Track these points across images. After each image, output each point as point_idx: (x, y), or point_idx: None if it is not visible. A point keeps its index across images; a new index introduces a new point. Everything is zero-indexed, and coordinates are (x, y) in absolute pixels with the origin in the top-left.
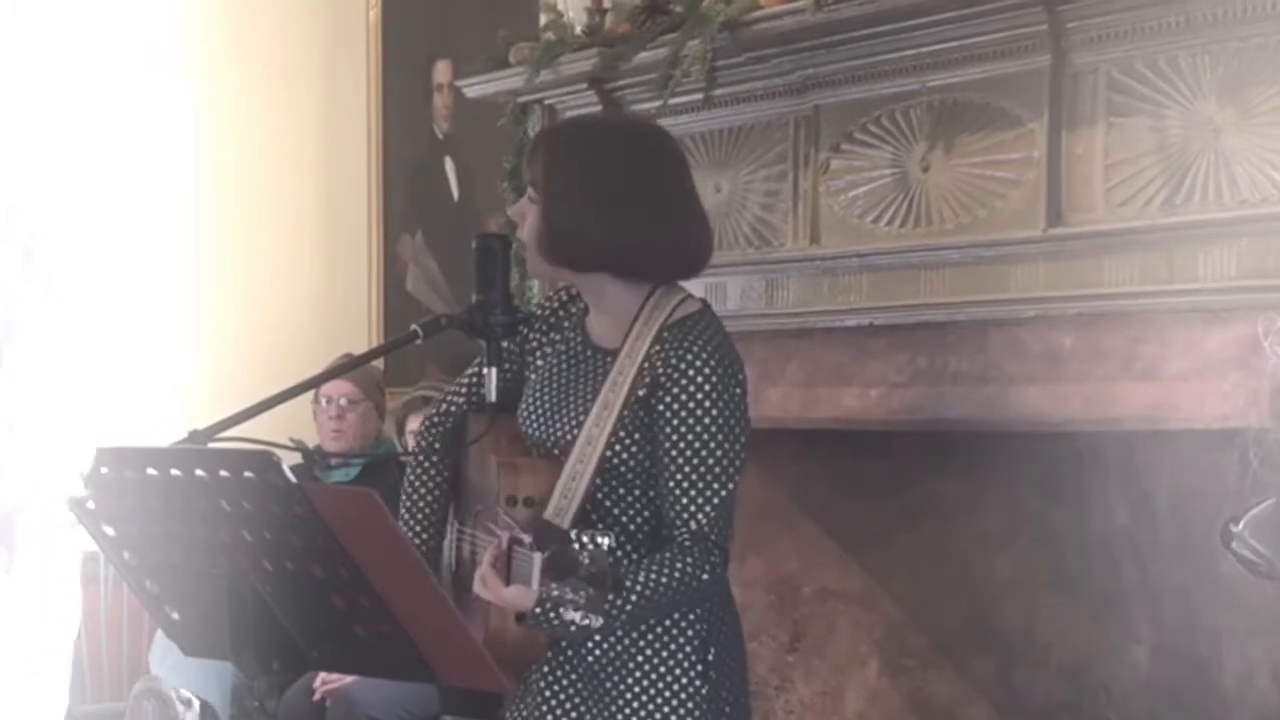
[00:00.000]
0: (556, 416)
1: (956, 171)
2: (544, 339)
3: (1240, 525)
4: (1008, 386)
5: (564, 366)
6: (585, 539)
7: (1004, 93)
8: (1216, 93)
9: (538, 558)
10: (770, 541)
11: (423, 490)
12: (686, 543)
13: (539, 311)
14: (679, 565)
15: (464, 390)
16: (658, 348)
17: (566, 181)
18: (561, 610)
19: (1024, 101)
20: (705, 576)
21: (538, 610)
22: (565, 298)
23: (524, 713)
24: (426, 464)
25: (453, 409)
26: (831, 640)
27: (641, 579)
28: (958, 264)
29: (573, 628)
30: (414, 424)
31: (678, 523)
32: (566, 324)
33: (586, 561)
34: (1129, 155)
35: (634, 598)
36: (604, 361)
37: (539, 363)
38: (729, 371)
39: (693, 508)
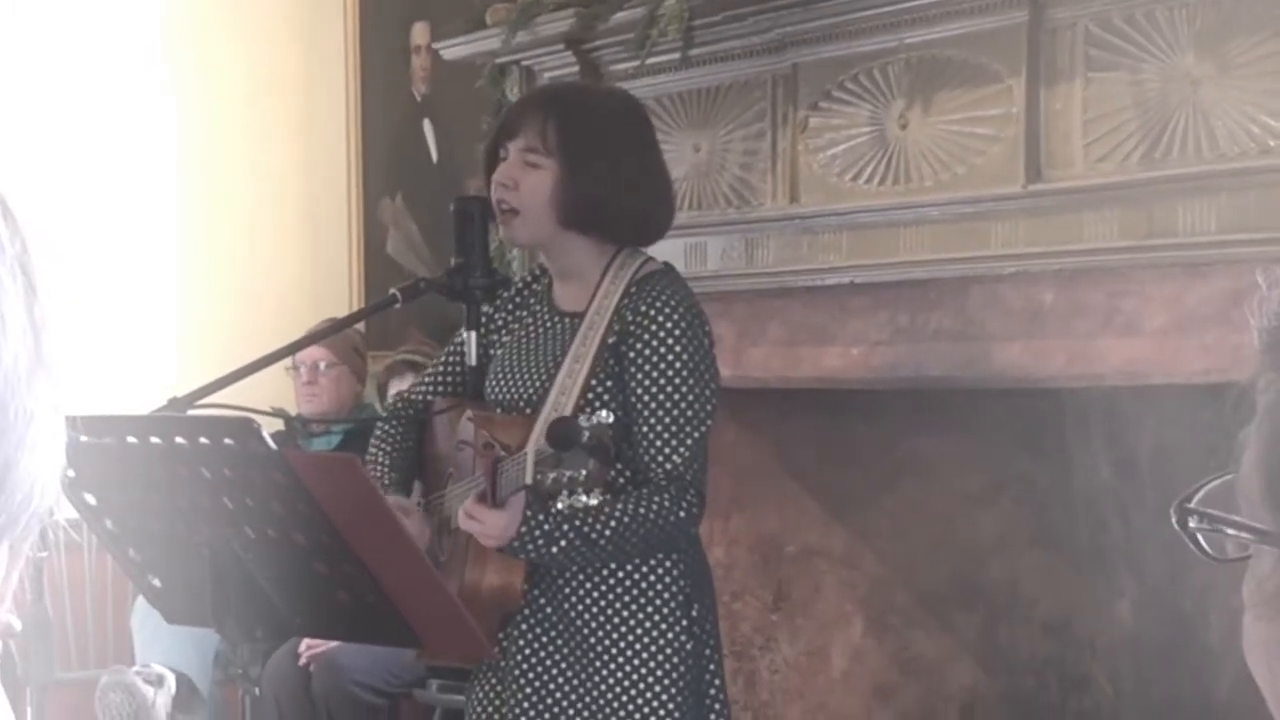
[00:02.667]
0: (525, 375)
1: (935, 128)
2: (510, 317)
3: (1194, 502)
4: (989, 343)
5: (530, 334)
6: (583, 416)
7: (982, 49)
8: (1194, 46)
9: (530, 451)
10: (753, 501)
11: (386, 447)
12: (662, 482)
13: (509, 290)
14: (656, 500)
15: (428, 381)
16: (626, 300)
17: (591, 148)
18: (558, 500)
19: (1002, 57)
20: (682, 514)
21: (528, 522)
22: (530, 278)
23: (496, 676)
24: (389, 429)
25: (416, 398)
26: (816, 599)
27: (620, 508)
28: (937, 221)
29: (575, 525)
30: (396, 388)
31: (652, 465)
32: (532, 300)
33: (587, 436)
34: (1107, 110)
35: (613, 523)
36: (571, 324)
37: (505, 338)
38: (697, 320)
39: (667, 450)
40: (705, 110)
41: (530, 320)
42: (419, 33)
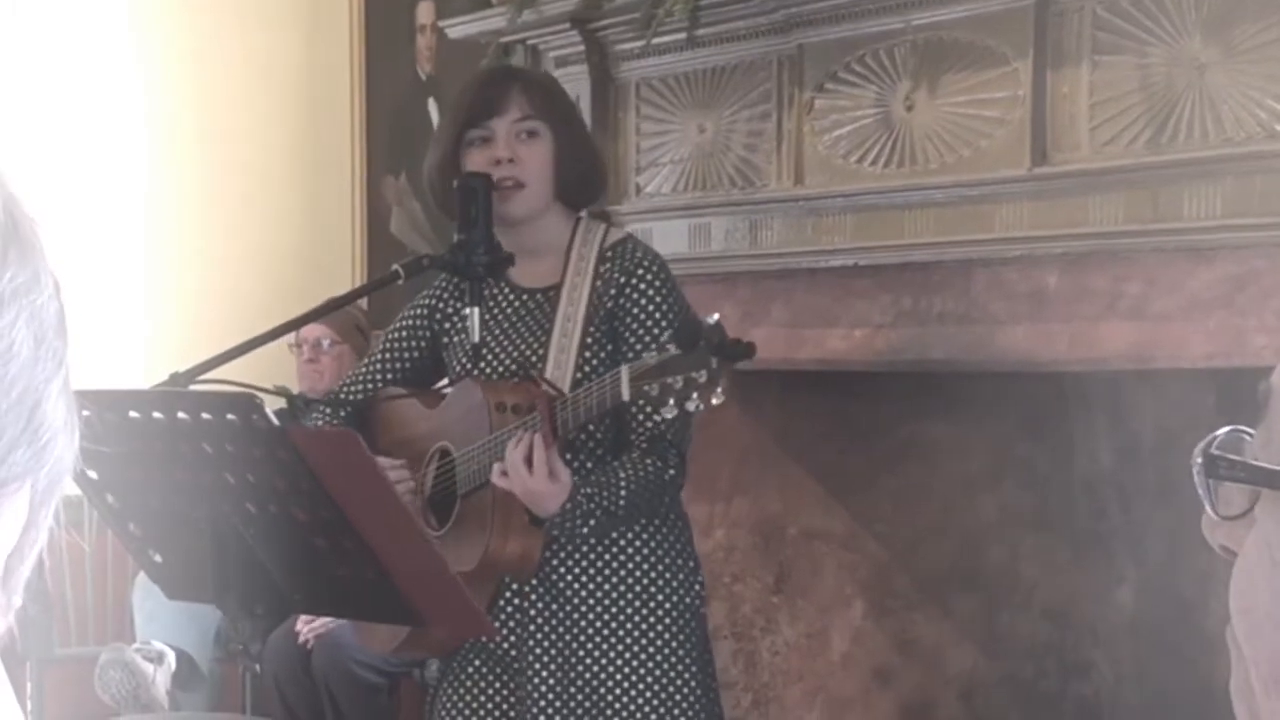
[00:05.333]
0: (509, 347)
1: (941, 111)
2: (460, 305)
3: (1216, 447)
4: (993, 327)
5: (498, 315)
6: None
7: (989, 31)
8: (1201, 30)
9: (624, 368)
10: (755, 483)
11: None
12: (644, 445)
13: (451, 280)
14: (647, 462)
15: (367, 374)
16: (605, 266)
17: (571, 116)
18: (662, 410)
19: (1009, 40)
20: (672, 473)
21: (573, 497)
22: None
23: (481, 660)
24: (339, 415)
25: (353, 395)
26: (816, 582)
27: (625, 475)
28: (942, 204)
29: (598, 502)
30: None
31: (634, 425)
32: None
33: (709, 334)
34: (1114, 94)
35: (623, 492)
36: (544, 298)
37: (463, 324)
38: (675, 281)
39: (649, 408)
40: (710, 91)
41: (492, 302)
42: (424, 11)
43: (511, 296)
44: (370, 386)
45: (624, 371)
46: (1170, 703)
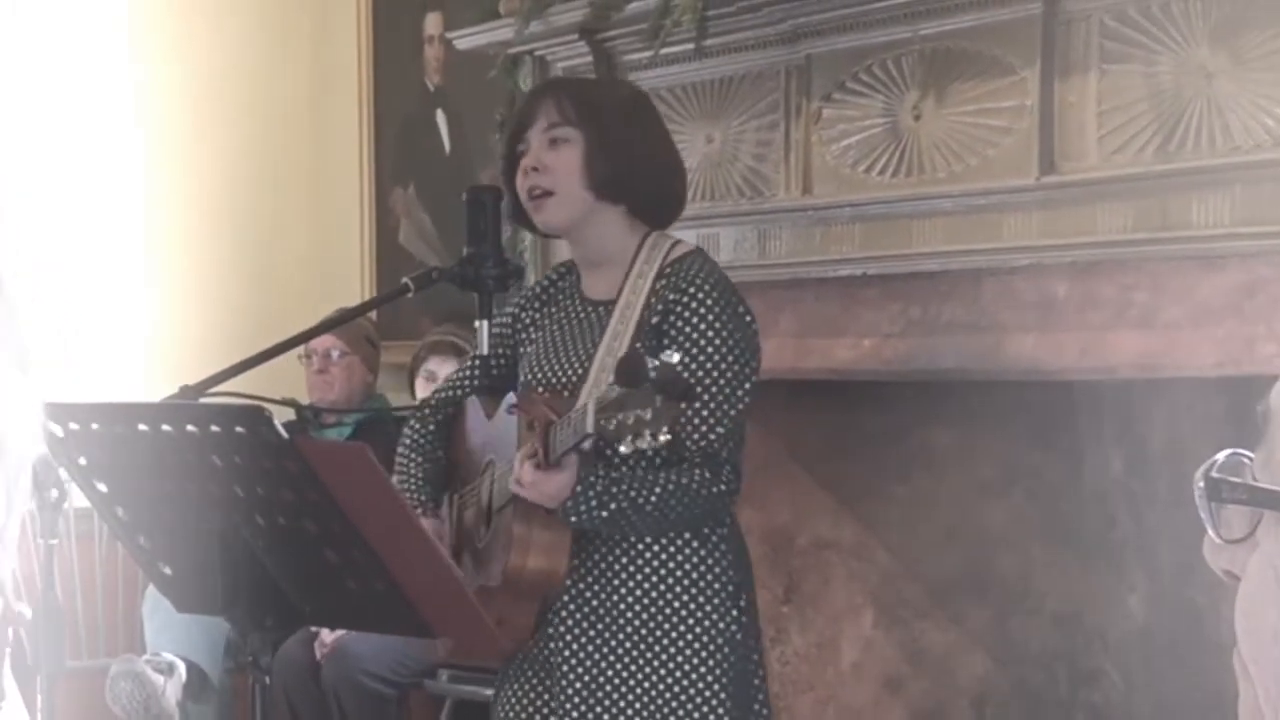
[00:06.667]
0: (561, 361)
1: (948, 120)
2: (538, 314)
3: (1216, 470)
4: (1001, 335)
5: (562, 325)
6: (649, 355)
7: (996, 40)
8: (1209, 38)
9: (590, 402)
10: (764, 493)
11: (418, 458)
12: (698, 459)
13: (534, 289)
14: (695, 474)
15: (455, 382)
16: (662, 282)
17: (611, 115)
18: (622, 444)
19: (1016, 49)
20: (722, 487)
21: (583, 481)
22: (555, 276)
23: (533, 670)
24: (419, 435)
25: (445, 399)
26: (826, 591)
27: (664, 476)
28: (950, 213)
29: (624, 489)
30: (432, 365)
31: (688, 443)
32: (560, 296)
33: (654, 373)
34: (1122, 102)
35: (658, 489)
36: (604, 311)
37: (536, 334)
38: (735, 298)
39: (704, 428)
40: (718, 101)
41: (560, 314)
42: (432, 23)
43: (579, 307)
44: (458, 394)
45: (590, 404)
46: (1180, 711)
